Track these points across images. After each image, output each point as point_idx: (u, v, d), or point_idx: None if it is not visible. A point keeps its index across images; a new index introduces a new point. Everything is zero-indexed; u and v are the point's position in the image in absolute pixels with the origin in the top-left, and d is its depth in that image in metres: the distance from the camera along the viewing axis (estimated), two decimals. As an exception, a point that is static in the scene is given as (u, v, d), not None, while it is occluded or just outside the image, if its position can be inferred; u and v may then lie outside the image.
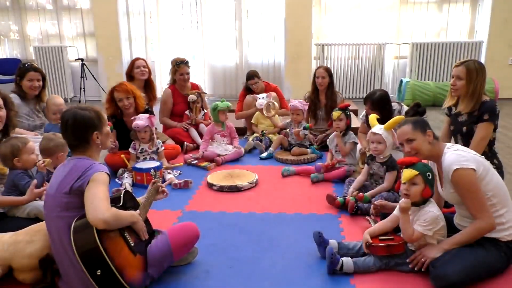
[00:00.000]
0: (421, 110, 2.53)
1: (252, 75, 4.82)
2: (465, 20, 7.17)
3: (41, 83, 3.57)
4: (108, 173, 1.92)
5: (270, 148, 4.22)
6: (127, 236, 1.90)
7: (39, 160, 2.52)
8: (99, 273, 1.72)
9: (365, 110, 3.55)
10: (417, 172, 2.05)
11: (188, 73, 4.61)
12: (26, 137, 2.52)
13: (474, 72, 2.73)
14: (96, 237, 1.73)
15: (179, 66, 4.55)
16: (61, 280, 1.98)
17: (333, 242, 2.28)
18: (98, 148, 2.03)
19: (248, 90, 4.90)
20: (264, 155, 4.14)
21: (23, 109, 3.53)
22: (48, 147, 2.71)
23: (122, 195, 2.06)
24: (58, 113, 3.39)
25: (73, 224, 1.79)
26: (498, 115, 2.74)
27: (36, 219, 2.31)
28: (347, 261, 2.12)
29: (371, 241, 2.15)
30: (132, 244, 1.90)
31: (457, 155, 2.07)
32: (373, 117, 2.99)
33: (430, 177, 2.06)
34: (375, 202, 2.58)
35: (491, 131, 2.75)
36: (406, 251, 2.13)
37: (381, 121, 3.34)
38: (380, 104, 3.35)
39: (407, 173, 2.08)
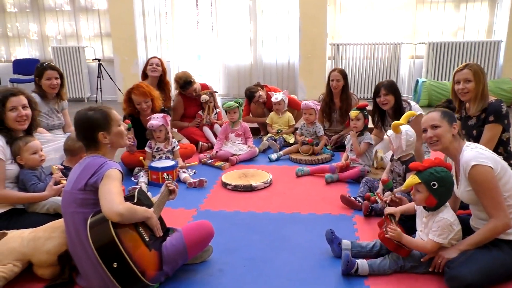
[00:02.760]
0: (452, 107, 2.48)
1: (251, 95, 4.75)
2: (483, 19, 7.05)
3: (59, 81, 3.62)
4: (121, 170, 1.97)
5: (280, 152, 4.21)
6: (142, 232, 1.93)
7: (57, 169, 2.58)
8: (115, 266, 1.75)
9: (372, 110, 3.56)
10: (418, 181, 2.02)
11: (195, 89, 4.58)
12: (32, 137, 2.56)
13: (479, 73, 2.75)
14: (112, 230, 1.77)
15: (184, 89, 4.54)
16: (79, 276, 2.03)
17: (345, 242, 2.28)
18: (109, 148, 2.09)
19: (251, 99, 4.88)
20: (274, 157, 4.13)
21: (43, 108, 3.60)
22: (74, 148, 2.77)
23: (136, 193, 2.10)
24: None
25: (89, 220, 1.84)
26: (506, 115, 2.73)
27: (55, 215, 2.36)
28: (362, 264, 2.10)
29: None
30: (147, 239, 1.94)
31: (476, 152, 2.04)
32: (405, 116, 2.93)
33: (435, 187, 2.00)
34: (396, 195, 2.57)
35: (499, 132, 2.73)
36: (420, 253, 2.12)
37: (397, 106, 3.44)
38: (393, 86, 3.45)
39: (409, 180, 2.06)
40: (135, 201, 2.03)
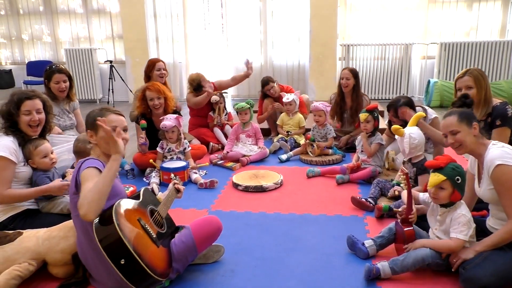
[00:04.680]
0: (469, 102, 2.44)
1: (266, 81, 4.79)
2: (497, 18, 6.97)
3: (67, 83, 3.63)
4: (96, 166, 1.91)
5: (290, 153, 4.21)
6: (148, 228, 1.94)
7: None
8: (123, 262, 1.75)
9: (389, 117, 3.52)
10: (444, 178, 2.00)
11: (211, 87, 4.59)
12: (43, 140, 2.55)
13: (480, 78, 2.73)
14: (118, 228, 1.77)
15: (198, 91, 4.53)
16: (92, 277, 2.04)
17: (368, 241, 2.29)
18: (99, 149, 2.06)
19: (264, 96, 4.88)
20: (284, 157, 4.13)
21: (54, 110, 3.63)
22: (84, 150, 2.75)
23: (141, 192, 2.14)
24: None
25: (94, 221, 1.83)
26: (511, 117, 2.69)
27: (69, 215, 2.36)
28: (383, 268, 2.08)
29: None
30: (153, 236, 1.95)
31: (502, 151, 2.01)
32: (414, 119, 2.91)
33: (459, 181, 2.00)
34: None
35: (508, 135, 2.70)
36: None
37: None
38: (407, 106, 3.32)
39: (433, 178, 2.03)
40: (140, 200, 2.07)
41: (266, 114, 4.86)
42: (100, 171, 1.90)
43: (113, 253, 1.77)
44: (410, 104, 3.34)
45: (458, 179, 2.00)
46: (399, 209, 2.28)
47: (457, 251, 2.02)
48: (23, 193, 2.39)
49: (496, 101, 2.76)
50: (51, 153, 2.55)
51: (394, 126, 2.76)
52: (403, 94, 7.09)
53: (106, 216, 1.84)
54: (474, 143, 2.11)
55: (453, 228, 2.02)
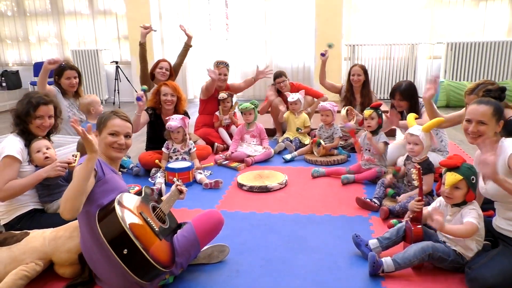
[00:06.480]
0: (503, 97, 2.40)
1: (279, 74, 4.84)
2: (504, 18, 6.93)
3: (77, 80, 3.80)
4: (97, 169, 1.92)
5: (295, 153, 4.22)
6: (150, 222, 1.95)
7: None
8: (125, 252, 1.75)
9: (391, 103, 3.55)
10: (461, 177, 2.00)
11: (226, 74, 4.73)
12: (40, 138, 2.56)
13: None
14: (120, 219, 1.78)
15: (219, 66, 4.67)
16: (97, 276, 2.05)
17: (372, 241, 2.27)
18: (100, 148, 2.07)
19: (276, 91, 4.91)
20: (288, 157, 4.14)
21: (64, 102, 3.74)
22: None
23: (143, 190, 2.16)
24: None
25: (97, 213, 1.85)
26: None
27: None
28: (386, 261, 2.08)
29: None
30: (156, 229, 1.95)
31: None
32: (411, 116, 2.91)
33: (474, 181, 2.01)
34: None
35: None
36: (449, 251, 2.08)
37: (410, 111, 3.33)
38: (409, 93, 3.43)
39: (450, 178, 2.02)
40: (142, 196, 2.09)
41: (266, 104, 4.87)
42: (95, 169, 1.91)
43: (116, 244, 1.77)
44: (412, 88, 3.44)
45: (473, 179, 2.02)
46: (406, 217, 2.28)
47: (470, 236, 2.00)
48: (22, 182, 2.37)
49: (509, 113, 2.55)
50: (46, 149, 2.52)
51: (429, 124, 2.70)
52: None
53: (109, 209, 1.85)
54: (491, 139, 2.10)
55: (467, 215, 2.01)
